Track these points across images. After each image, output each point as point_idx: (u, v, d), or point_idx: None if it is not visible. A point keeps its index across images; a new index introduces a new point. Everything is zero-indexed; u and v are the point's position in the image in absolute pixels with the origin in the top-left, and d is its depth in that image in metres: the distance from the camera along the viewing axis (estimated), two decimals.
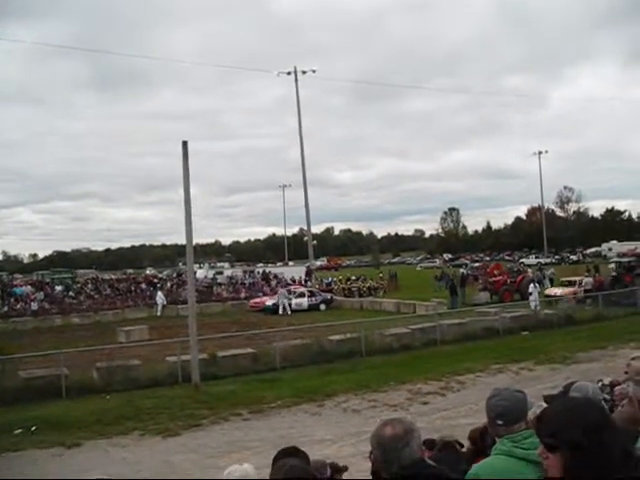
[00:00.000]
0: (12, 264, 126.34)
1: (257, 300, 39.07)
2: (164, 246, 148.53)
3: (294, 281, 47.14)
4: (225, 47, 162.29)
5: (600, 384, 5.15)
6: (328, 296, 39.70)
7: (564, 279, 36.38)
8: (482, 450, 4.47)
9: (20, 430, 12.80)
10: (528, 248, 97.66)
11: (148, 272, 72.88)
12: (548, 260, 74.70)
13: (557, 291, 33.62)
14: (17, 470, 10.65)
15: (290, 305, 36.31)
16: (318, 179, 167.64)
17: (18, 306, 38.65)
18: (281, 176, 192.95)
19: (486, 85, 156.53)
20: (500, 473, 2.85)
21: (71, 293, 42.76)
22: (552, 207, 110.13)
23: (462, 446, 5.77)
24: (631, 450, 2.16)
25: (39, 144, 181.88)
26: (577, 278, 35.23)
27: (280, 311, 35.42)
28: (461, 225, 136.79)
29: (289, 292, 38.32)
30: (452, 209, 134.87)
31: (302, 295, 37.94)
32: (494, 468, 2.91)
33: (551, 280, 42.77)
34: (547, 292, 33.90)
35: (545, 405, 3.04)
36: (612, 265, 41.41)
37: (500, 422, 3.03)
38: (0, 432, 12.60)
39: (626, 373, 3.88)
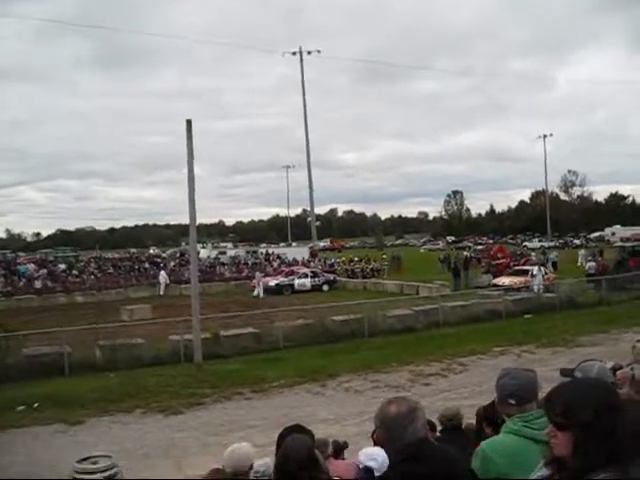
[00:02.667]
0: (16, 242, 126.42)
1: None
2: (168, 226, 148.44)
3: (297, 262, 47.10)
4: (230, 26, 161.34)
5: None
6: (331, 277, 39.74)
7: (517, 267, 33.80)
8: (482, 430, 4.45)
9: (23, 407, 12.89)
10: (531, 232, 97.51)
11: (151, 251, 72.94)
12: (552, 244, 74.49)
13: (505, 280, 30.22)
14: (20, 446, 10.73)
15: (291, 285, 36.52)
16: (322, 160, 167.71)
17: (21, 284, 38.72)
18: (285, 156, 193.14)
19: (492, 67, 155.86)
20: (509, 451, 2.84)
21: (74, 272, 42.74)
22: (556, 191, 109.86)
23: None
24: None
25: (42, 122, 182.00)
26: (529, 267, 32.23)
27: (255, 293, 35.44)
28: (465, 208, 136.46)
29: (291, 275, 38.39)
30: (456, 192, 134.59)
31: (305, 276, 37.93)
32: (503, 446, 2.89)
33: (554, 264, 42.71)
34: (494, 281, 30.84)
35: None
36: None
37: (512, 401, 2.99)
38: (3, 408, 12.68)
39: None
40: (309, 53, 51.63)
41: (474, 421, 5.41)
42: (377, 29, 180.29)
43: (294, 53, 51.52)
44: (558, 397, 2.05)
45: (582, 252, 49.59)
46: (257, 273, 38.92)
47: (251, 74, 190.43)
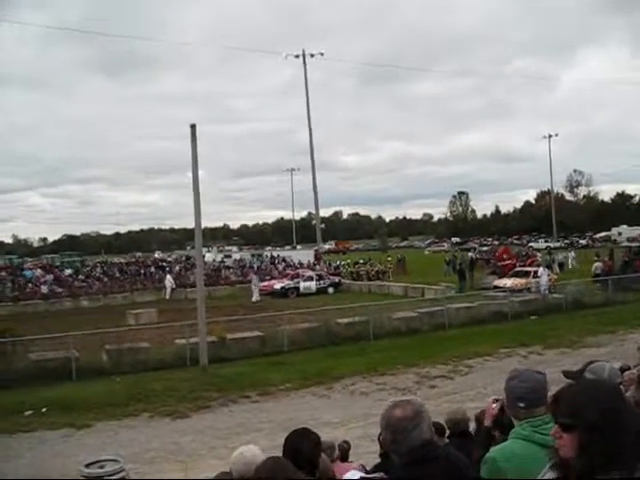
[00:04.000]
0: (22, 248, 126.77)
1: (265, 283, 39.01)
2: (173, 230, 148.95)
3: (302, 265, 47.09)
4: (233, 30, 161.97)
5: None
6: (336, 279, 39.67)
7: (518, 269, 33.19)
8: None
9: (31, 411, 12.93)
10: (537, 232, 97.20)
11: (157, 255, 72.98)
12: (557, 244, 74.21)
13: (506, 282, 29.88)
14: (26, 450, 10.75)
15: (294, 288, 36.54)
16: (326, 163, 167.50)
17: (28, 289, 38.79)
18: (289, 160, 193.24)
19: (496, 68, 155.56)
20: (519, 458, 2.79)
21: (80, 276, 42.82)
22: (561, 191, 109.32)
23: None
24: None
25: (47, 128, 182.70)
26: (532, 269, 31.75)
27: (253, 298, 35.18)
28: (470, 209, 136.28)
29: (297, 278, 38.42)
30: (461, 193, 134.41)
31: (310, 279, 37.92)
32: (513, 453, 2.84)
33: (561, 265, 42.55)
34: (495, 283, 30.58)
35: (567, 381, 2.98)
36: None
37: (521, 404, 2.94)
38: (11, 413, 12.73)
39: None
40: (312, 56, 51.49)
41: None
42: (381, 31, 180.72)
43: (297, 56, 51.38)
44: (565, 398, 2.04)
45: (572, 254, 48.50)
46: (253, 276, 38.84)
47: (254, 78, 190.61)
